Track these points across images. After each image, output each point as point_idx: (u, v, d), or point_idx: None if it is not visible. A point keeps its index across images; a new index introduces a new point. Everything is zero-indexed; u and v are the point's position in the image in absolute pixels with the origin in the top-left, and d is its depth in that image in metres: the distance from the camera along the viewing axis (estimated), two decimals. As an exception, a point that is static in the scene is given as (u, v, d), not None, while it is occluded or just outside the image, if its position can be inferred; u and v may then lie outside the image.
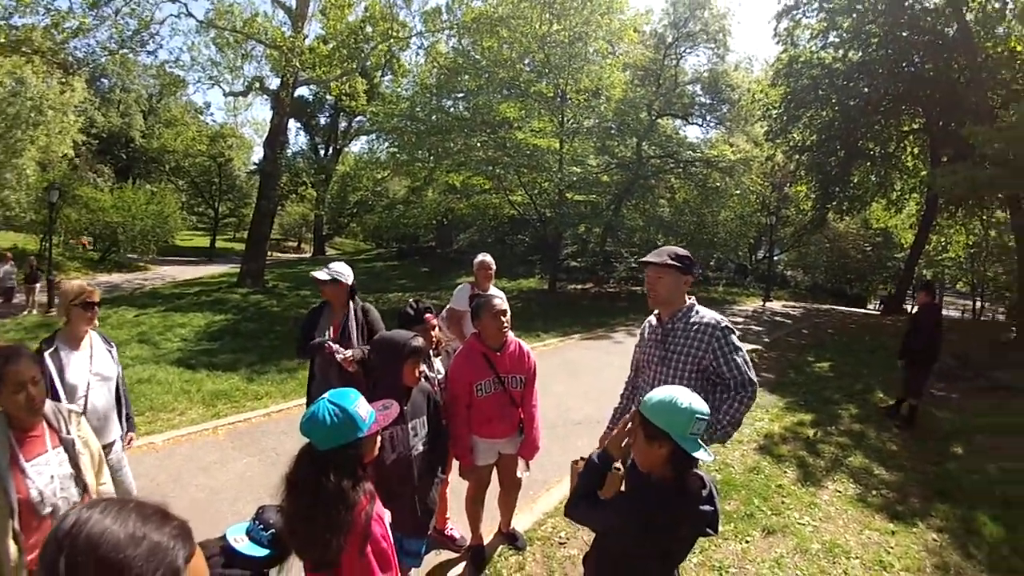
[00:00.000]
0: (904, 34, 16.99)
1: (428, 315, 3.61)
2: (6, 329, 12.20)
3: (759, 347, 12.49)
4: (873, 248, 29.95)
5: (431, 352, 3.67)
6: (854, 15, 17.64)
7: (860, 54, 18.38)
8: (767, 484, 5.20)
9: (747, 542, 4.17)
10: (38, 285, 15.17)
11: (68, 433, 2.33)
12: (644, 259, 2.88)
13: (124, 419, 3.31)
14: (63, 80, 17.89)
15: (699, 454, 1.85)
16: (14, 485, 2.09)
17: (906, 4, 16.72)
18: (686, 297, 2.83)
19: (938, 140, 18.26)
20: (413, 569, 3.00)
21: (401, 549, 2.67)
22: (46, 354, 2.94)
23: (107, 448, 3.07)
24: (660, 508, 1.87)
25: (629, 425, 2.02)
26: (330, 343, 3.79)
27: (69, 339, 3.07)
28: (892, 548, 4.24)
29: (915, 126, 20.01)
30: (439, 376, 3.66)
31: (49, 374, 2.88)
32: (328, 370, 3.85)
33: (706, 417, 1.87)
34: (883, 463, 5.92)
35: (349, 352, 3.71)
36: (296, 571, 2.04)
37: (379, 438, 2.11)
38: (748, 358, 2.73)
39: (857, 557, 4.08)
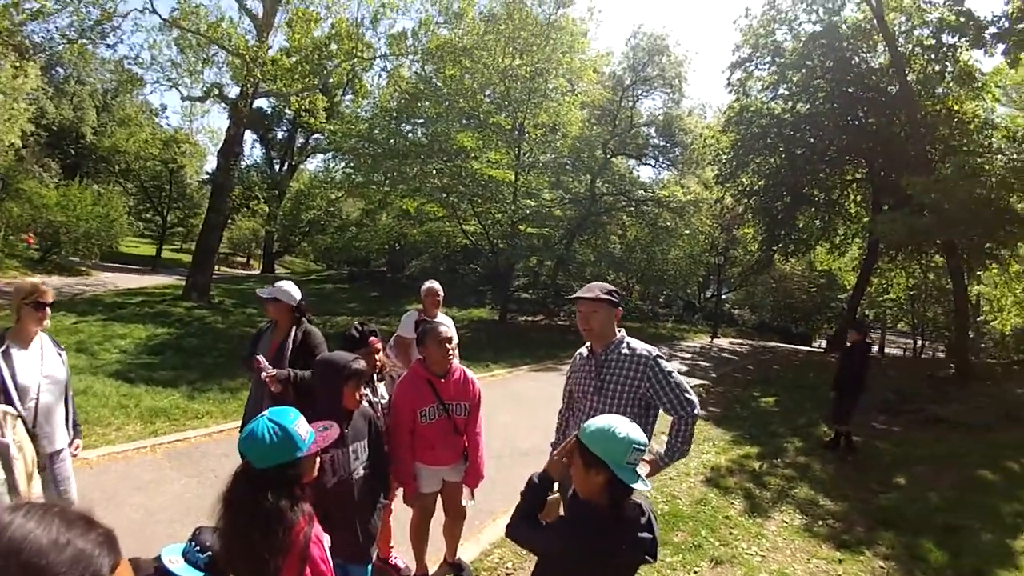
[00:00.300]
0: (850, 90, 17.88)
1: (373, 338, 3.51)
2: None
3: (706, 382, 12.71)
4: (817, 289, 31.18)
5: (375, 376, 3.60)
6: (803, 70, 18.54)
7: (808, 107, 19.27)
8: (714, 515, 5.23)
9: (695, 573, 4.17)
10: (-29, 285, 14.04)
11: (3, 436, 2.20)
12: (577, 295, 3.01)
13: (71, 426, 3.16)
14: (16, 64, 17.16)
15: (636, 484, 1.89)
16: None
17: (852, 63, 17.70)
18: (616, 329, 2.96)
19: (879, 189, 19.13)
20: None
21: (345, 576, 2.59)
22: None
23: (55, 456, 2.95)
24: (598, 535, 1.90)
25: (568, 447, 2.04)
26: (260, 358, 3.69)
27: (19, 339, 2.93)
28: (840, 576, 4.29)
29: (858, 175, 20.94)
30: (383, 401, 3.59)
31: (2, 375, 2.75)
32: (260, 389, 3.76)
33: (643, 447, 1.91)
34: (828, 494, 6.04)
35: (275, 371, 3.62)
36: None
37: (319, 460, 2.05)
38: (681, 379, 2.89)
39: (806, 586, 4.10)
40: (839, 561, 4.56)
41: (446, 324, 4.69)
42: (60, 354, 3.16)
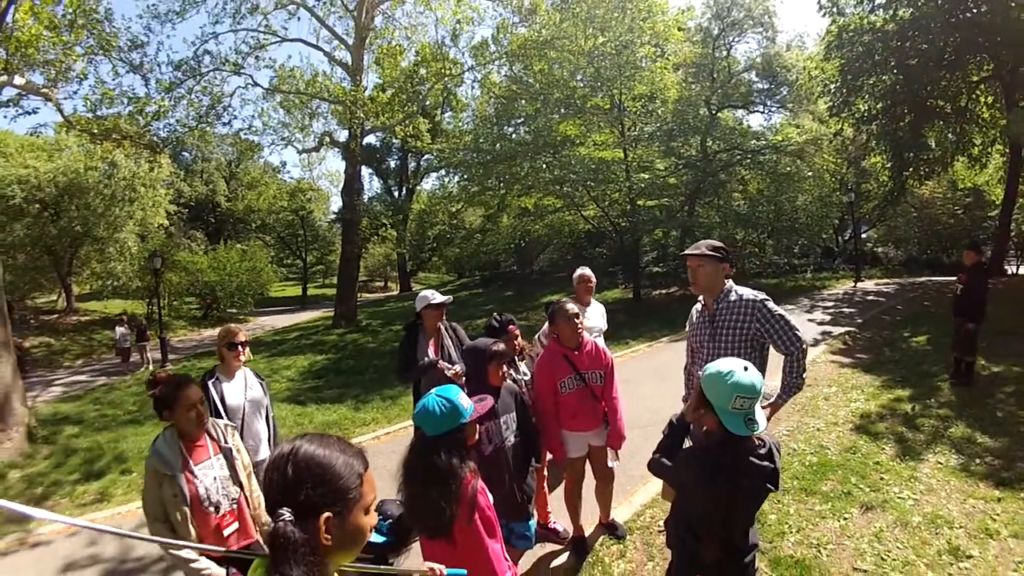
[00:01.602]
0: None
1: (512, 326, 4.05)
2: (128, 384, 13.56)
3: (852, 329, 12.11)
4: (964, 210, 27.75)
5: (516, 357, 4.09)
6: None
7: (911, 11, 17.33)
8: (864, 462, 5.17)
9: (845, 519, 4.19)
10: (148, 344, 16.66)
11: (226, 443, 2.88)
12: (684, 252, 3.29)
13: (272, 442, 3.81)
14: (150, 159, 19.78)
15: (736, 430, 2.04)
16: (186, 484, 2.61)
17: None
18: (724, 282, 3.21)
19: (1011, 85, 17.02)
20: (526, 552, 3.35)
21: (512, 534, 3.03)
22: (209, 383, 3.55)
23: (258, 465, 3.58)
24: (709, 466, 2.09)
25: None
26: (441, 362, 4.30)
27: (225, 372, 3.68)
28: (998, 515, 4.13)
29: (984, 74, 18.58)
30: (525, 378, 4.04)
31: (213, 399, 3.48)
32: (436, 386, 4.32)
33: (750, 395, 2.05)
34: (987, 431, 5.74)
35: (457, 367, 4.20)
36: (409, 561, 2.41)
37: (477, 429, 2.45)
38: (789, 318, 3.09)
39: (961, 527, 4.00)
40: (998, 500, 4.36)
41: (597, 311, 5.20)
42: (261, 384, 3.86)
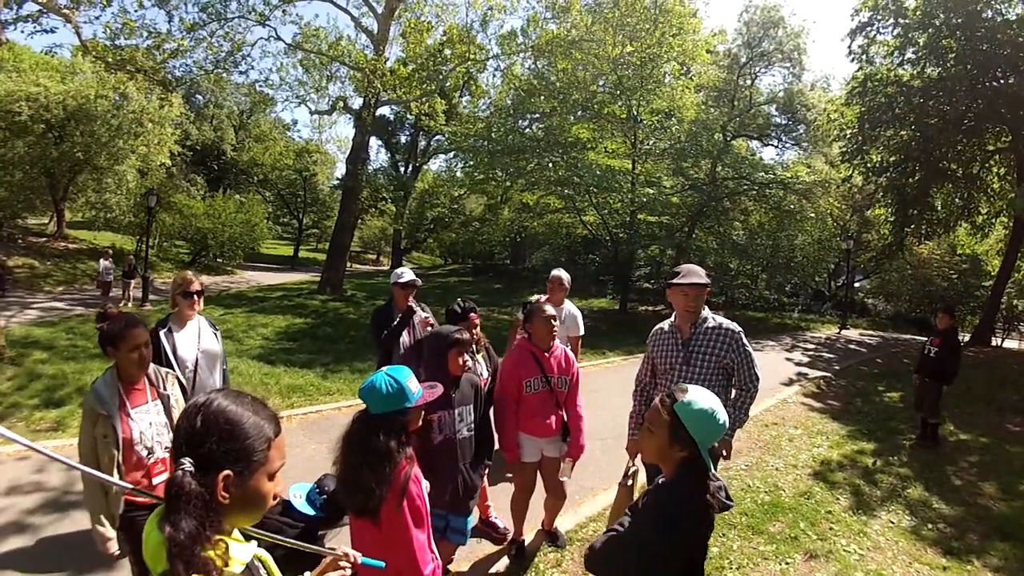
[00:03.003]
0: (983, 47, 16.00)
1: (473, 314, 3.99)
2: (104, 318, 13.38)
3: (828, 374, 12.10)
4: (959, 276, 27.96)
5: (473, 349, 4.00)
6: (930, 30, 16.80)
7: (938, 70, 17.42)
8: (816, 509, 5.13)
9: (787, 563, 4.14)
10: (133, 281, 16.59)
11: (165, 390, 2.81)
12: (691, 281, 3.26)
13: None
14: (162, 96, 19.56)
15: (710, 467, 1.86)
16: (121, 426, 2.57)
17: (984, 17, 15.80)
18: (703, 308, 3.31)
19: None
20: (459, 548, 3.32)
21: (448, 527, 2.99)
22: (161, 333, 3.43)
23: None
24: (683, 505, 1.82)
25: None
26: (419, 310, 4.46)
27: (178, 321, 3.57)
28: (941, 584, 4.08)
29: (1001, 145, 18.66)
30: (483, 374, 3.97)
31: (164, 349, 3.38)
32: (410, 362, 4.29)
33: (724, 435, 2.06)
34: (944, 497, 5.72)
35: (427, 315, 4.43)
36: (339, 538, 2.35)
37: (424, 415, 2.42)
38: (755, 357, 3.23)
39: (902, 590, 3.94)
40: (943, 568, 4.32)
41: (571, 314, 5.25)
42: (215, 334, 3.78)
